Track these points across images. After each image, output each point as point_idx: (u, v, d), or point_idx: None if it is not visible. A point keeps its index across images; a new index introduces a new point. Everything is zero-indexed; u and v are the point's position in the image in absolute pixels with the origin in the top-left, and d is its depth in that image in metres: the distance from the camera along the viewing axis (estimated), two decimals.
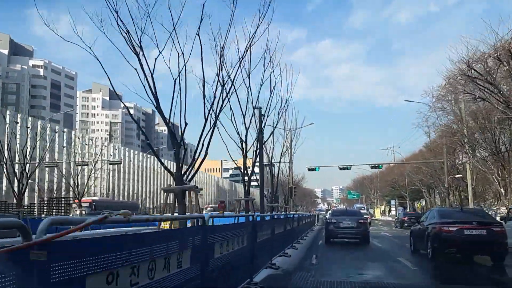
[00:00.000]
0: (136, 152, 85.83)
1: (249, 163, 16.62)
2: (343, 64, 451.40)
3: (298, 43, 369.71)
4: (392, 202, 64.88)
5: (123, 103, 14.55)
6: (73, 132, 67.17)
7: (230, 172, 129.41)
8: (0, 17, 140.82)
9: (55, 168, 46.26)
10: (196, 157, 11.01)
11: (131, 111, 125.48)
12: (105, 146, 67.45)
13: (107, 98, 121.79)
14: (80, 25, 10.57)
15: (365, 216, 20.14)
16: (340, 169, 37.63)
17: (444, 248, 11.23)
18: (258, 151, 17.90)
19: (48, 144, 38.78)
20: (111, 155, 69.22)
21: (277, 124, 19.64)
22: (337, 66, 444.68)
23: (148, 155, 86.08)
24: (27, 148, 30.26)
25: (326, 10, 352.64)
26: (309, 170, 39.25)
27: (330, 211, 28.60)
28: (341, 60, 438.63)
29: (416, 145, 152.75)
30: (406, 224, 34.55)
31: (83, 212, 34.74)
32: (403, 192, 58.74)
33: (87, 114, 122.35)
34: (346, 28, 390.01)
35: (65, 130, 65.94)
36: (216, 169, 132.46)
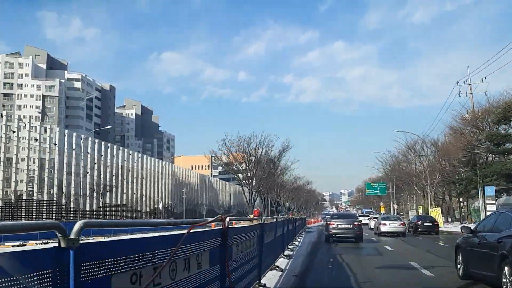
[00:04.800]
0: (83, 137, 61.04)
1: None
2: (356, 65, 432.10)
3: (311, 44, 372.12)
4: (489, 189, 33.40)
5: None
6: None
7: (220, 169, 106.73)
8: None
9: None
10: None
11: (79, 85, 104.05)
12: (33, 125, 53.59)
13: (43, 65, 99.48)
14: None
15: (359, 218, 23.96)
16: None
17: None
18: None
19: None
20: (44, 138, 53.00)
21: None
22: (350, 67, 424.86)
23: (103, 142, 61.53)
24: None
25: (339, 11, 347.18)
26: None
27: (329, 215, 30.19)
28: (354, 62, 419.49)
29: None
30: (420, 230, 31.00)
31: None
32: None
33: (12, 84, 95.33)
34: (360, 29, 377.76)
35: None
36: (205, 166, 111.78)
